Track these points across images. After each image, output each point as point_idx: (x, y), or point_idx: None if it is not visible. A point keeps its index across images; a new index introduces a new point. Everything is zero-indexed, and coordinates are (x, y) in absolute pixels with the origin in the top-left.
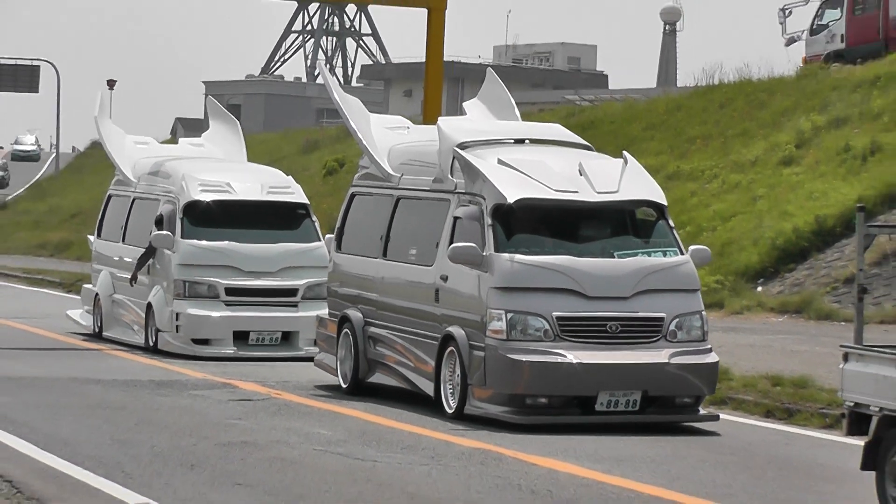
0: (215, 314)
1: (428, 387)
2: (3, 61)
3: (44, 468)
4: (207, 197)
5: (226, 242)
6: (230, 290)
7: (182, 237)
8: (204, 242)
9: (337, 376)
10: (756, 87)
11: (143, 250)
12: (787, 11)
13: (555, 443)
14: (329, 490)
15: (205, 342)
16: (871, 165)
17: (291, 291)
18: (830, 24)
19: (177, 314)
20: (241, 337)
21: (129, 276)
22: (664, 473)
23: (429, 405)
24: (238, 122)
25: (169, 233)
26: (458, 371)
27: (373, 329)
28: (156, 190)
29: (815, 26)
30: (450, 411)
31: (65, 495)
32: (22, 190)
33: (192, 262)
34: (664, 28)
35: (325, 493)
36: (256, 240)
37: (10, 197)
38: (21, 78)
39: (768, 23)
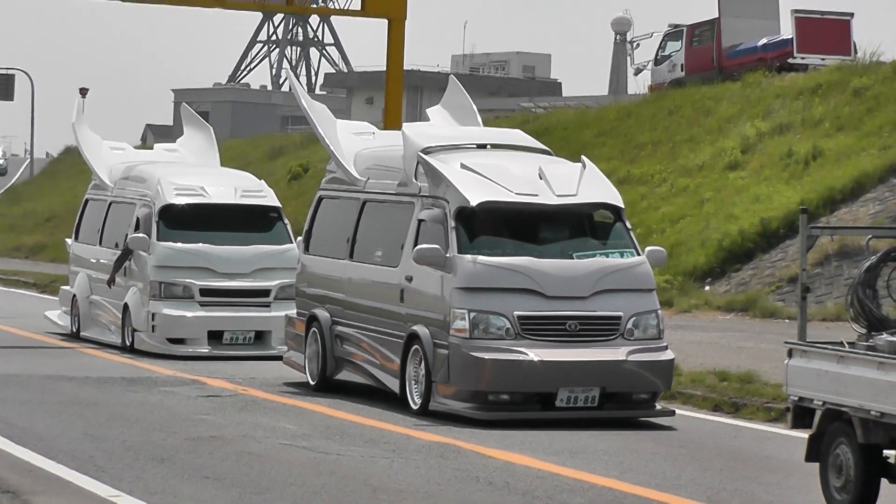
0: (190, 314)
1: (393, 384)
2: None
3: (18, 462)
4: (182, 200)
5: (200, 245)
6: (205, 291)
7: (158, 239)
8: (179, 245)
9: (305, 374)
10: (703, 94)
11: (120, 252)
12: (634, 44)
13: (512, 437)
14: (294, 482)
15: (180, 342)
16: (813, 170)
17: (264, 292)
18: (672, 54)
19: (153, 314)
20: (215, 336)
21: (106, 279)
22: (616, 465)
23: (395, 402)
24: (211, 128)
25: (145, 235)
26: (422, 369)
27: (340, 328)
28: (132, 194)
29: (658, 57)
30: (415, 408)
31: (39, 488)
32: None
33: (168, 264)
34: (615, 38)
35: (290, 486)
36: (230, 242)
37: None
38: None
39: None
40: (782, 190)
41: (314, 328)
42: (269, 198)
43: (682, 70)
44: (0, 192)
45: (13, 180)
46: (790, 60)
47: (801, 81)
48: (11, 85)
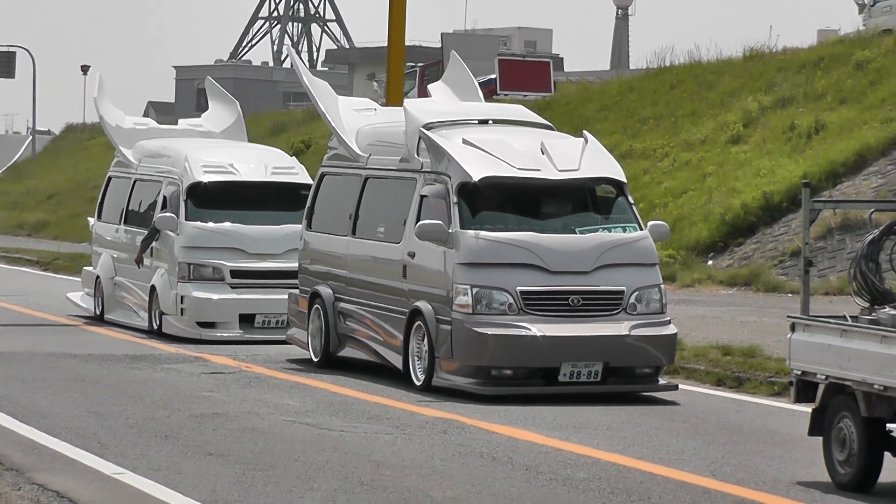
0: (221, 297)
1: (397, 360)
2: None
3: (22, 440)
4: (211, 178)
5: (230, 224)
6: (235, 273)
7: (186, 219)
8: (209, 224)
9: (308, 350)
10: (705, 68)
11: (147, 232)
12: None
13: (515, 412)
14: (298, 459)
15: (210, 325)
16: (816, 143)
17: (297, 273)
18: (408, 91)
19: (181, 297)
20: (247, 320)
21: (132, 259)
22: (620, 440)
23: (398, 378)
24: (237, 102)
25: (173, 215)
26: (425, 344)
27: (342, 304)
28: (158, 171)
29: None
30: (418, 384)
31: (43, 466)
32: None
33: (197, 245)
34: (617, 12)
35: (293, 462)
36: (261, 221)
37: None
38: None
39: (718, 7)
40: (785, 164)
41: (317, 305)
42: (301, 175)
43: None
44: (2, 169)
45: (15, 157)
46: (494, 96)
47: (803, 55)
48: (13, 62)
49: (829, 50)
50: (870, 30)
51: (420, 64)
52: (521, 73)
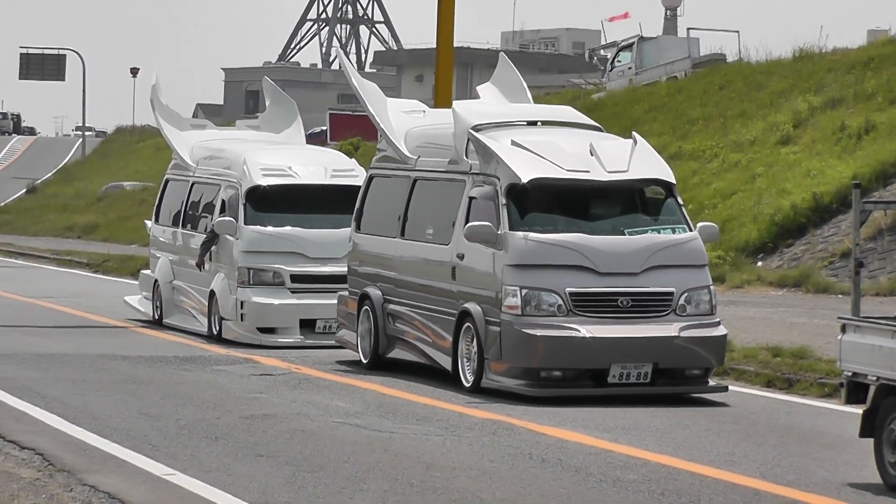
0: (281, 302)
1: (446, 361)
2: (31, 51)
3: (73, 441)
4: (270, 181)
5: (290, 228)
6: (296, 277)
7: (245, 223)
8: (269, 228)
9: (357, 352)
10: (754, 69)
11: (206, 236)
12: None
13: (564, 413)
14: (347, 460)
15: (271, 331)
16: (866, 144)
17: None
18: None
19: (241, 302)
20: (307, 325)
21: (193, 263)
22: (670, 442)
23: (447, 379)
24: (294, 102)
25: (232, 219)
26: (474, 346)
27: (392, 306)
28: (216, 174)
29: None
30: (467, 385)
31: (94, 467)
32: (50, 174)
33: (257, 249)
34: (665, 13)
35: (343, 463)
36: (321, 225)
37: (38, 181)
38: (48, 66)
39: (765, 8)
40: (835, 164)
41: (366, 306)
42: (360, 177)
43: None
44: (52, 172)
45: (66, 160)
46: (324, 144)
47: (853, 55)
48: (63, 65)
49: (879, 50)
50: None
51: None
52: (351, 124)
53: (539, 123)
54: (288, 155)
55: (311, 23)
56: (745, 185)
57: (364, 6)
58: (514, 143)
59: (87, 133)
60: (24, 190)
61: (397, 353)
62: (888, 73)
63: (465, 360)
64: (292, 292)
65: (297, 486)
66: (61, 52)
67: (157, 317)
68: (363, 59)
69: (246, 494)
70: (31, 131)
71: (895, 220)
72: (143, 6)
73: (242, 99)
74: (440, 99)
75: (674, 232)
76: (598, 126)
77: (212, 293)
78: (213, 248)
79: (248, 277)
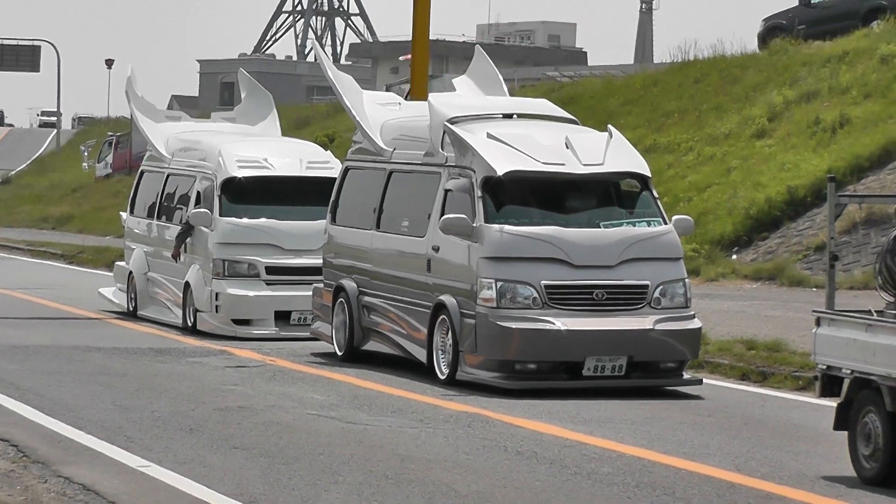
0: (256, 293)
1: (421, 354)
2: (5, 42)
3: (48, 433)
4: (245, 173)
5: (265, 220)
6: (271, 269)
7: (220, 215)
8: (244, 220)
9: (332, 344)
10: (729, 62)
11: (181, 228)
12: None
13: (539, 406)
14: (322, 452)
15: (246, 322)
16: (840, 138)
17: None
18: (106, 157)
19: (216, 294)
20: (282, 317)
21: (163, 254)
22: (644, 434)
23: (422, 372)
24: (270, 94)
25: (207, 210)
26: (449, 338)
27: (367, 298)
28: (191, 166)
29: (98, 159)
30: (442, 377)
31: (69, 459)
32: (24, 165)
33: (232, 241)
34: (641, 6)
35: (318, 455)
36: (296, 217)
37: (13, 172)
38: (22, 57)
39: (741, 1)
40: (809, 158)
41: (341, 298)
42: (336, 169)
43: (110, 168)
44: (27, 163)
45: (40, 151)
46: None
47: (827, 49)
48: (38, 56)
49: (854, 44)
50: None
51: (115, 136)
52: None
53: (515, 116)
54: (263, 147)
55: (287, 15)
56: (721, 179)
57: None
58: (489, 135)
59: (60, 120)
60: None
61: (372, 346)
62: (863, 68)
63: (440, 352)
64: (267, 284)
65: (272, 477)
66: (36, 43)
67: (131, 308)
68: (339, 51)
69: (221, 486)
70: (1, 119)
71: (869, 214)
72: None
73: (218, 91)
74: (416, 92)
75: (649, 225)
76: (574, 119)
77: (187, 285)
78: (189, 239)
79: (223, 269)
